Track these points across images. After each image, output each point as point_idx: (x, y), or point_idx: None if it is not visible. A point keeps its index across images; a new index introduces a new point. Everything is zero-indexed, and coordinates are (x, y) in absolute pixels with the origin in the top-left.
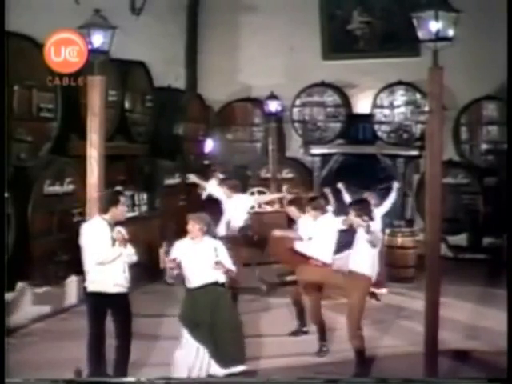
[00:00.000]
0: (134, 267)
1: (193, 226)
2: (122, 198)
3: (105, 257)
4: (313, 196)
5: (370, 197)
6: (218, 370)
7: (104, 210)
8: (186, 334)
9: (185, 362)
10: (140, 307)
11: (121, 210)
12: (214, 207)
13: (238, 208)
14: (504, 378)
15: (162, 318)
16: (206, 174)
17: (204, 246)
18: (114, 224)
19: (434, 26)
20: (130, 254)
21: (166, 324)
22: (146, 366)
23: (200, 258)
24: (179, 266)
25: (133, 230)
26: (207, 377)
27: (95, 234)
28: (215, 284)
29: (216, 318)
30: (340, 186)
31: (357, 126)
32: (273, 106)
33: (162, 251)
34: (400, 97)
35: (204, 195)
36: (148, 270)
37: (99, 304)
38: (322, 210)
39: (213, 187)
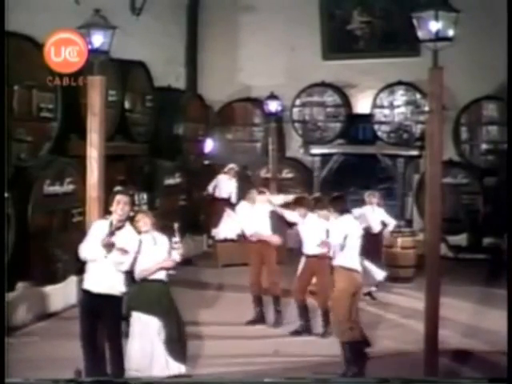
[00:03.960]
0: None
1: (143, 219)
2: (118, 196)
3: (87, 252)
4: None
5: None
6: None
7: (109, 210)
8: (139, 327)
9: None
10: None
11: (120, 208)
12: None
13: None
14: (504, 377)
15: None
16: (206, 174)
17: (157, 240)
18: (118, 224)
19: (434, 25)
20: (117, 261)
21: None
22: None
23: (155, 252)
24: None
25: None
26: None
27: (92, 230)
28: (159, 281)
29: (161, 315)
30: None
31: (357, 126)
32: (273, 106)
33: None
34: (400, 97)
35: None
36: None
37: (88, 303)
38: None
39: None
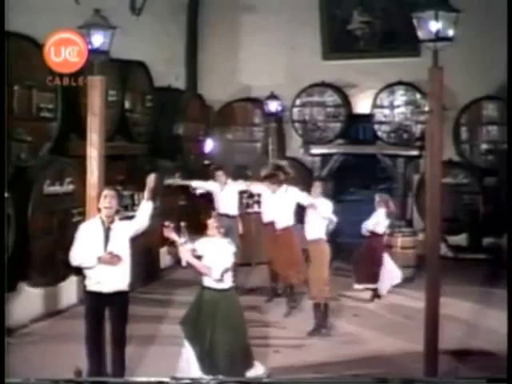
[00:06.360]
0: (133, 267)
1: (214, 223)
2: (105, 191)
3: (81, 260)
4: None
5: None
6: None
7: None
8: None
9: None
10: (139, 307)
11: (108, 201)
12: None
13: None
14: (504, 377)
15: (162, 319)
16: (206, 174)
17: (224, 247)
18: (108, 220)
19: (434, 25)
20: (148, 207)
21: (164, 325)
22: (145, 367)
23: (220, 258)
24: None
25: None
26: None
27: (80, 235)
28: (227, 289)
29: (220, 325)
30: None
31: (357, 126)
32: (273, 106)
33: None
34: (400, 97)
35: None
36: (147, 270)
37: (97, 303)
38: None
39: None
